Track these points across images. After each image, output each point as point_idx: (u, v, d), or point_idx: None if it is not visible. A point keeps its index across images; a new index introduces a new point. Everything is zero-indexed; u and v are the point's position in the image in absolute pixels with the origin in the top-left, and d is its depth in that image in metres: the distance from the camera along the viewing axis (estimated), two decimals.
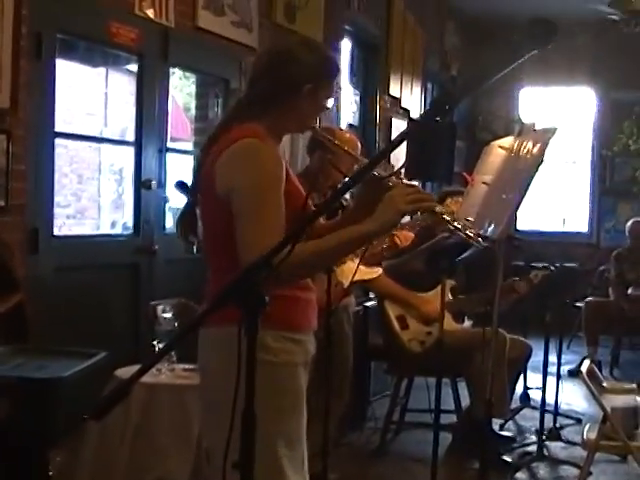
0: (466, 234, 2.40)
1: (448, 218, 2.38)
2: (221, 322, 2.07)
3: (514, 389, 5.49)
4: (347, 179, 2.94)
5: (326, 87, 2.52)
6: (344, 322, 4.54)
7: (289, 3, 6.40)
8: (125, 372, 3.59)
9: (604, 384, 4.55)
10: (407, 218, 3.55)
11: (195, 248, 2.78)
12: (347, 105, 7.83)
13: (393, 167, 2.53)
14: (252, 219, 2.26)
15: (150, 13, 4.93)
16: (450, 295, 5.05)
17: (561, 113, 10.79)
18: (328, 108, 2.59)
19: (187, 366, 3.73)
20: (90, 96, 9.79)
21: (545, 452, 5.15)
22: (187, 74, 7.19)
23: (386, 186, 2.39)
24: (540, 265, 5.38)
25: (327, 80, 2.52)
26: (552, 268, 5.33)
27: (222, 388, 2.17)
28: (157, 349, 3.65)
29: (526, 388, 6.31)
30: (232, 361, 1.80)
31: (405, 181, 2.43)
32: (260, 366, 1.78)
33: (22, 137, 4.10)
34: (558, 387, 5.53)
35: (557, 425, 5.56)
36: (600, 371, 5.56)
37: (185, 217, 2.57)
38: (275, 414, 2.23)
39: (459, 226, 2.40)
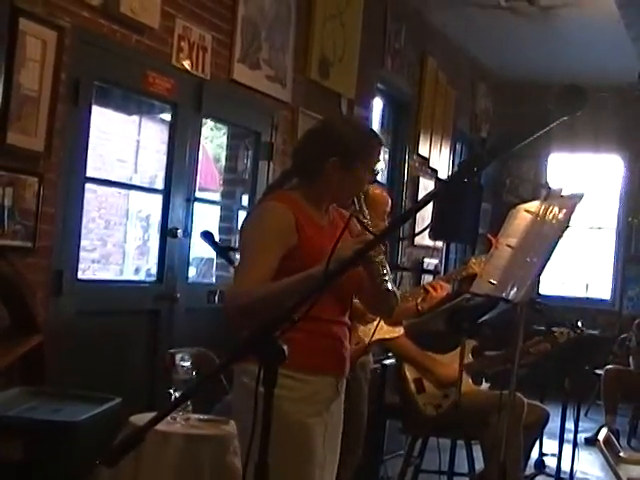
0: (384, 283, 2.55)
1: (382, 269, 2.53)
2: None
3: (529, 455, 5.41)
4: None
5: (358, 164, 2.62)
6: (361, 380, 4.52)
7: (323, 60, 6.49)
8: (140, 419, 3.58)
9: (621, 454, 4.47)
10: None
11: (216, 298, 2.82)
12: None
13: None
14: (239, 264, 2.61)
15: (187, 65, 5.02)
16: (471, 356, 5.02)
17: (588, 180, 10.79)
18: (365, 185, 2.70)
19: (202, 416, 3.73)
20: (122, 143, 9.92)
21: None
22: (219, 125, 7.28)
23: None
24: (566, 325, 5.32)
25: (359, 157, 2.62)
26: (578, 330, 5.27)
27: (241, 425, 2.51)
28: (173, 397, 3.65)
29: (541, 454, 6.22)
30: (250, 401, 1.92)
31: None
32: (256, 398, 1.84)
33: (53, 181, 4.16)
34: (574, 455, 5.46)
35: None
36: (618, 440, 5.47)
37: None
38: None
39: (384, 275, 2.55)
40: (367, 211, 2.68)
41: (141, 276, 9.66)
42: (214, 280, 6.24)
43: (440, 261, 9.32)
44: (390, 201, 4.42)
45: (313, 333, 2.55)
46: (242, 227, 2.68)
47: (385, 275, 2.54)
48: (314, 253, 2.48)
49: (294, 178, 2.72)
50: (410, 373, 5.02)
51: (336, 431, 2.76)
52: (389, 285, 2.56)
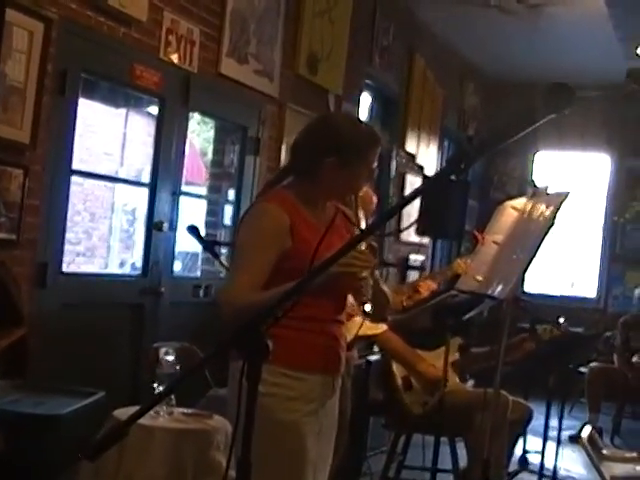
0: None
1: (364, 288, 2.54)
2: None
3: (513, 452, 5.42)
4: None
5: (356, 162, 2.57)
6: (344, 376, 4.51)
7: (312, 55, 6.47)
8: (123, 413, 3.58)
9: (604, 451, 4.48)
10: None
11: (201, 292, 2.82)
12: None
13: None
14: (233, 266, 2.65)
15: (174, 58, 5.01)
16: (458, 354, 5.02)
17: (575, 178, 10.81)
18: (363, 182, 2.67)
19: (186, 411, 3.72)
20: (109, 136, 9.89)
21: None
22: (206, 119, 7.26)
23: None
24: (549, 322, 5.32)
25: (357, 155, 2.57)
26: (560, 324, 5.27)
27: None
28: (157, 392, 3.64)
29: (525, 452, 6.23)
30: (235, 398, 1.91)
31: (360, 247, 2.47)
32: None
33: (39, 173, 4.14)
34: (557, 452, 5.47)
35: None
36: (601, 438, 5.48)
37: None
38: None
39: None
40: (362, 212, 2.69)
41: (126, 270, 9.63)
42: (199, 274, 6.23)
43: (427, 258, 9.33)
44: (375, 199, 4.42)
45: (309, 332, 2.57)
46: (238, 227, 2.67)
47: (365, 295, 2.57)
48: (309, 254, 2.44)
49: (291, 174, 2.69)
50: (398, 370, 5.01)
51: (331, 429, 2.78)
52: (367, 307, 2.62)
